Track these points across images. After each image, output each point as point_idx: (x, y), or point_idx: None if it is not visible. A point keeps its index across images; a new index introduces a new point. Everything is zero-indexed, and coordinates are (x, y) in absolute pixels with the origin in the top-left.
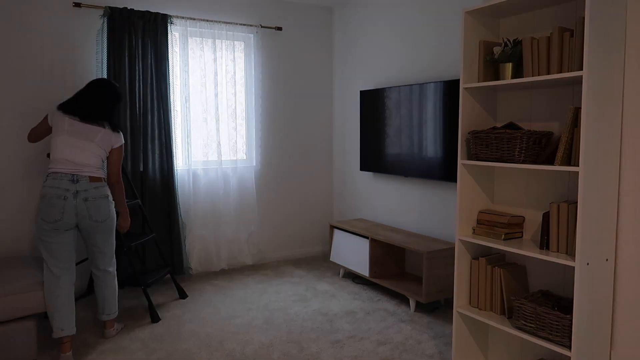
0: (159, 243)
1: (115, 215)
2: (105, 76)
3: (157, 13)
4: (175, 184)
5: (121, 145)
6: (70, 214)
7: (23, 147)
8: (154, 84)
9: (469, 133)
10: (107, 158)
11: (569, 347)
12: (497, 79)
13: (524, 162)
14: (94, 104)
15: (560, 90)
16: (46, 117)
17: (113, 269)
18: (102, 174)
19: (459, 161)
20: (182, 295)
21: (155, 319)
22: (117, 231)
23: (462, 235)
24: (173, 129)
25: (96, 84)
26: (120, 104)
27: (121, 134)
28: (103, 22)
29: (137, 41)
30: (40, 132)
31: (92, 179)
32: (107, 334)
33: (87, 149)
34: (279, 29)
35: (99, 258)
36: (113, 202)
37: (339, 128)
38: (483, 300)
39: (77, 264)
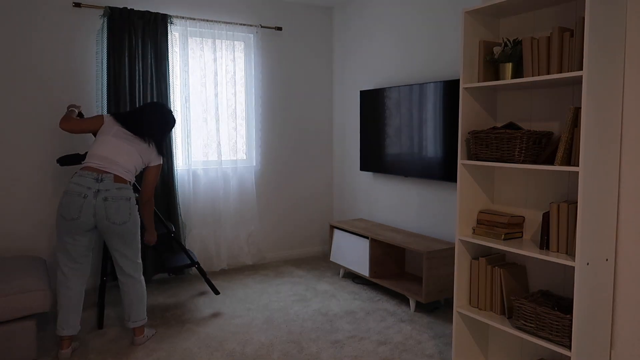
0: (172, 251)
1: (138, 219)
2: (105, 76)
3: (157, 13)
4: (175, 184)
5: (159, 165)
6: (87, 214)
7: (27, 147)
8: (154, 84)
9: (469, 133)
10: (144, 175)
11: (569, 347)
12: (497, 79)
13: (524, 162)
14: (149, 122)
15: (560, 90)
16: (101, 115)
17: (139, 274)
18: (129, 177)
19: (459, 161)
20: (215, 291)
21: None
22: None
23: (462, 235)
24: (173, 129)
25: (156, 106)
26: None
27: (161, 158)
28: (103, 22)
29: (137, 41)
30: (85, 127)
31: (117, 179)
32: (136, 341)
33: (125, 151)
34: (279, 29)
35: (122, 263)
36: (137, 205)
37: (339, 128)
38: (483, 300)
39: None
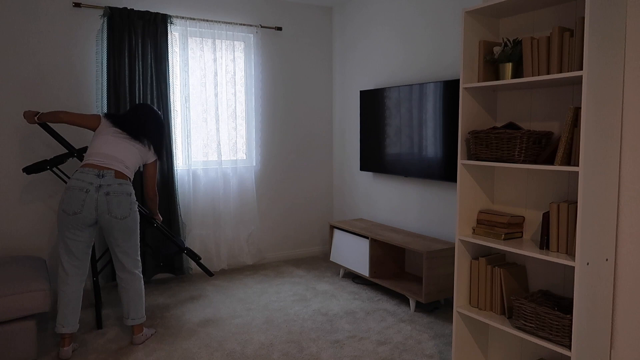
0: (162, 240)
1: (137, 215)
2: (105, 76)
3: (157, 13)
4: (175, 184)
5: (155, 161)
6: (90, 208)
7: (26, 147)
8: (154, 84)
9: (468, 133)
10: (143, 173)
11: (569, 347)
12: (497, 79)
13: (524, 162)
14: (145, 126)
15: (560, 90)
16: (98, 115)
17: (138, 271)
18: (129, 174)
19: (459, 161)
20: (209, 273)
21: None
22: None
23: (462, 235)
24: (173, 129)
25: (148, 109)
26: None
27: (157, 159)
28: (103, 22)
29: (137, 41)
30: (83, 121)
31: (118, 175)
32: (135, 339)
33: (126, 149)
34: (279, 29)
35: (122, 259)
36: (136, 202)
37: (339, 128)
38: (483, 300)
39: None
